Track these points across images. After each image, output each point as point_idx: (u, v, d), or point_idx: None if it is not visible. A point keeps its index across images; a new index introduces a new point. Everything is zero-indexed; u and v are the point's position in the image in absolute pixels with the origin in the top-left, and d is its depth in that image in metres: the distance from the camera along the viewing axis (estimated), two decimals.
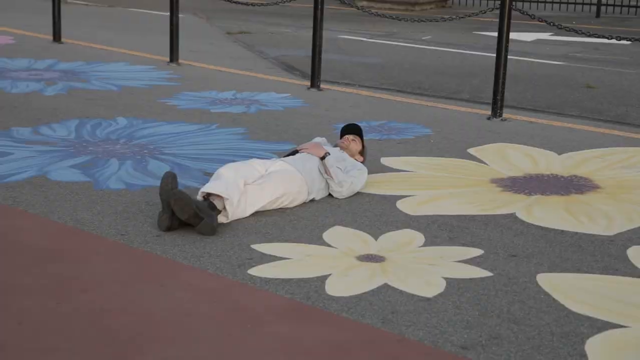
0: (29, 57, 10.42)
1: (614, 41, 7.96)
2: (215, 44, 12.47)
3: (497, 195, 5.66)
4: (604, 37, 8.06)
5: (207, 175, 5.74)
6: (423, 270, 4.38)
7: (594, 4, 17.19)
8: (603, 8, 17.06)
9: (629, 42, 12.01)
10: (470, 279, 4.28)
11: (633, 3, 17.28)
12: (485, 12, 8.96)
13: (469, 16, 9.31)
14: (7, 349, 3.48)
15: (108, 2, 17.13)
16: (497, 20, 7.77)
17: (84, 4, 16.96)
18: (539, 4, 17.62)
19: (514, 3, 7.82)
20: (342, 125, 6.22)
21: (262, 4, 10.28)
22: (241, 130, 7.17)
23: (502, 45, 7.72)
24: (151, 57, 10.77)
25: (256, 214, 5.11)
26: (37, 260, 4.39)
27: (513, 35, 8.55)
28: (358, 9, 10.47)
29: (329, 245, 4.71)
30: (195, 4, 16.81)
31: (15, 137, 6.72)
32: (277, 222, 5.03)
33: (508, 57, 7.85)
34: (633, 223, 5.18)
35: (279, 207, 5.25)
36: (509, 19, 7.71)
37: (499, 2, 7.79)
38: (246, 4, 10.46)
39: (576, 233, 4.99)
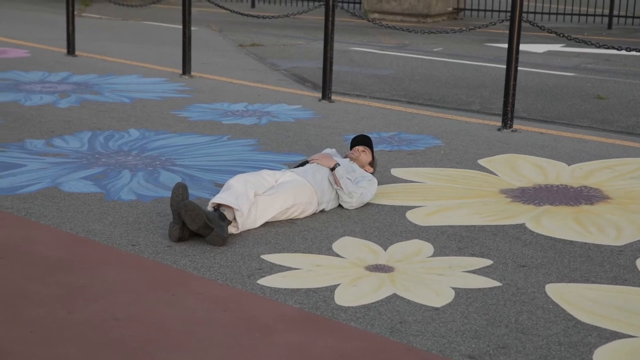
0: (43, 69, 10.50)
1: (624, 52, 7.95)
2: (227, 56, 12.53)
3: (507, 206, 5.66)
4: (614, 48, 8.07)
5: (218, 187, 5.77)
6: (432, 280, 4.40)
7: (605, 16, 17.18)
8: (615, 19, 17.03)
9: (638, 53, 12.00)
10: (479, 289, 4.29)
11: None
12: (495, 24, 8.99)
13: (480, 28, 9.33)
14: (19, 357, 3.51)
15: (121, 15, 17.24)
16: (508, 32, 7.80)
17: (98, 17, 17.07)
18: (550, 15, 17.63)
19: (524, 15, 7.84)
20: (353, 137, 6.25)
21: (273, 17, 10.34)
22: (252, 142, 7.20)
23: (512, 56, 7.75)
24: (164, 69, 10.83)
25: (266, 224, 5.14)
26: (49, 270, 4.43)
27: (524, 47, 8.58)
28: (369, 21, 10.52)
29: (338, 256, 4.73)
30: (207, 16, 16.89)
31: (28, 149, 6.77)
32: (287, 233, 5.06)
33: (518, 68, 7.87)
34: None
35: (289, 217, 5.27)
36: (519, 30, 7.73)
37: (510, 14, 7.81)
38: (258, 16, 10.51)
39: (585, 243, 4.99)
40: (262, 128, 7.75)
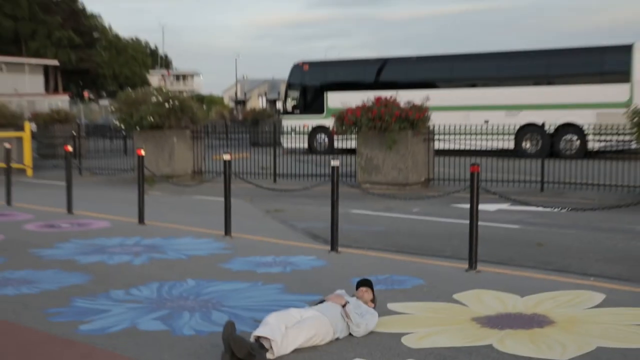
0: (121, 236, 10.61)
1: (555, 210, 8.09)
2: (257, 220, 12.67)
3: (477, 331, 5.64)
4: (548, 206, 8.20)
5: (257, 322, 5.76)
6: None
7: (539, 182, 17.41)
8: (546, 184, 17.25)
9: (566, 210, 12.11)
10: None
11: (568, 180, 17.49)
12: (459, 191, 9.15)
13: (447, 194, 9.48)
14: None
15: (177, 192, 17.54)
16: (469, 196, 7.95)
17: (160, 195, 17.35)
18: (499, 182, 17.87)
19: (480, 182, 8.02)
20: (357, 280, 6.29)
21: (291, 189, 10.53)
22: (280, 286, 7.23)
23: (473, 214, 7.88)
24: (210, 232, 10.94)
25: (295, 350, 5.12)
26: None
27: (481, 207, 8.69)
28: (363, 190, 10.71)
29: None
30: (242, 191, 17.16)
31: (112, 298, 6.80)
32: (311, 357, 5.03)
33: (478, 223, 7.98)
34: (582, 350, 5.16)
35: (312, 344, 5.25)
36: (478, 195, 7.91)
37: (470, 182, 7.99)
38: (280, 190, 10.69)
39: (539, 358, 4.95)
40: (287, 275, 7.79)
